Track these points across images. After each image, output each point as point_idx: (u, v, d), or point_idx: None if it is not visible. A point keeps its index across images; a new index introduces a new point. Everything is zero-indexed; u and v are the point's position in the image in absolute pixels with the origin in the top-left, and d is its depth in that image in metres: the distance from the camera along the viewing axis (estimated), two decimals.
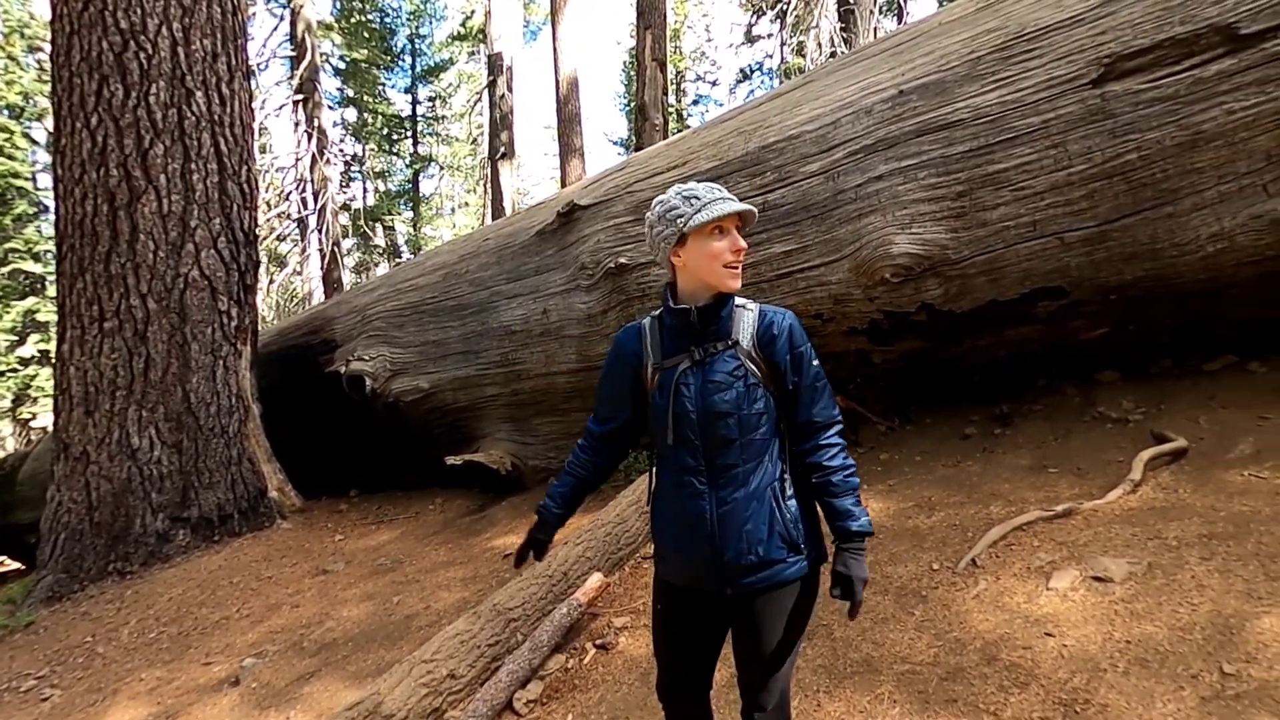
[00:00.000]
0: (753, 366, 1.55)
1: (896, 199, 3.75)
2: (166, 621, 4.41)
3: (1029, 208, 3.46)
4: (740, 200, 1.63)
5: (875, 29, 10.97)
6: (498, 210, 15.46)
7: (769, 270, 4.17)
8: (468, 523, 5.21)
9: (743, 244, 1.56)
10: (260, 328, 6.83)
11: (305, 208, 14.17)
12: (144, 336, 5.41)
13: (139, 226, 5.43)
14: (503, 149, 15.65)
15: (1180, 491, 2.79)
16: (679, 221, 1.55)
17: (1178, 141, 3.13)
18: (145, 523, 5.29)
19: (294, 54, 13.95)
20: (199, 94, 5.72)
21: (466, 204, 27.23)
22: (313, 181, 13.96)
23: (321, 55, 17.59)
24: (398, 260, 21.53)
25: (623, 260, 4.70)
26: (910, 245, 3.68)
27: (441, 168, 25.57)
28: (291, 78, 13.89)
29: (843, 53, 7.33)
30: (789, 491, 1.57)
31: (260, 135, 15.43)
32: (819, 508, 1.62)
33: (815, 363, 1.60)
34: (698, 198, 1.55)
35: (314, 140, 13.53)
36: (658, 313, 1.68)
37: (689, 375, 1.57)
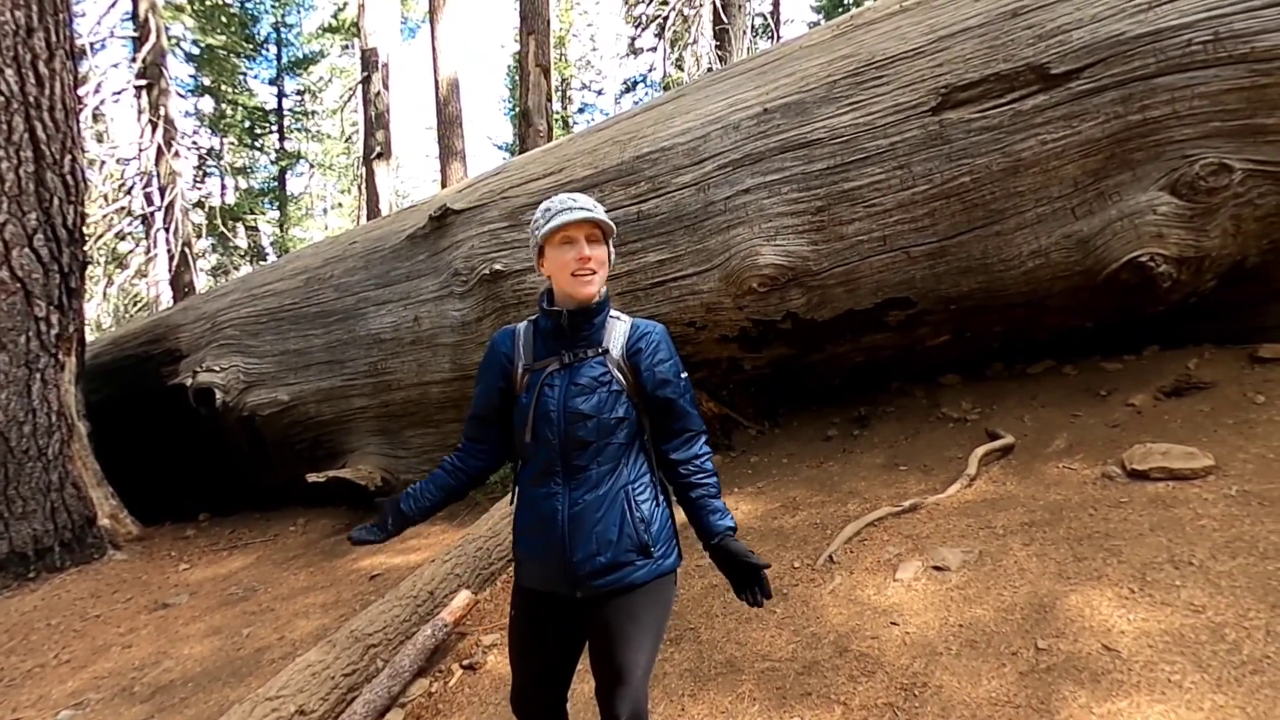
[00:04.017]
0: (619, 375, 1.61)
1: (763, 212, 3.91)
2: None
3: (880, 223, 3.71)
4: (606, 210, 1.69)
5: (748, 49, 11.47)
6: (373, 212, 14.74)
7: (644, 279, 4.22)
8: (332, 544, 4.89)
9: (586, 253, 1.59)
10: (98, 335, 6.10)
11: (150, 204, 12.85)
12: None
13: None
14: (378, 149, 14.95)
15: (1007, 484, 3.08)
16: (536, 233, 1.63)
17: (1002, 167, 3.47)
18: None
19: (136, 35, 12.65)
20: (9, 72, 5.04)
21: (340, 205, 25.79)
22: (159, 175, 12.68)
23: (171, 38, 16.09)
24: (264, 264, 20.02)
25: (498, 267, 4.60)
26: (776, 257, 3.84)
27: (312, 166, 24.06)
28: (133, 60, 12.58)
29: (716, 69, 7.60)
30: (644, 496, 1.61)
31: (96, 122, 13.84)
32: (688, 512, 1.65)
33: (684, 375, 1.68)
34: (550, 209, 1.62)
35: (160, 130, 12.30)
36: (534, 317, 1.72)
37: (555, 377, 1.61)
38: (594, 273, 1.60)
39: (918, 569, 2.61)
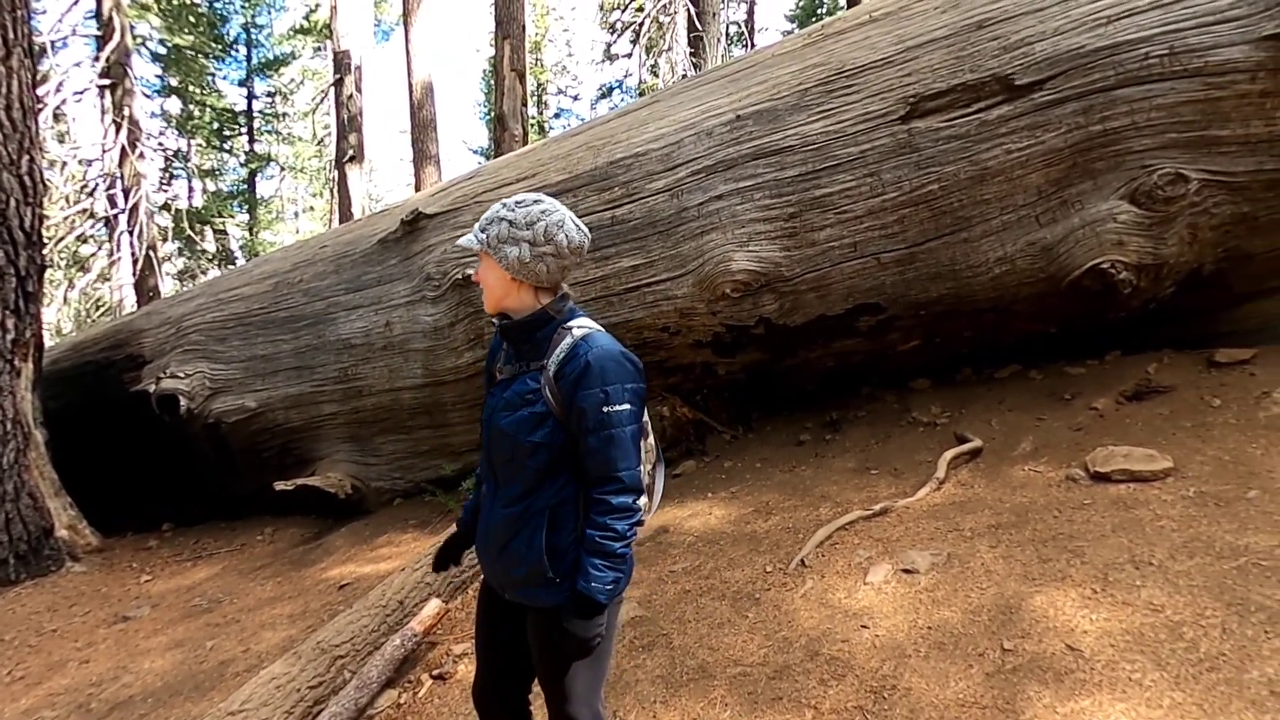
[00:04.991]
0: (549, 395, 1.50)
1: (735, 218, 3.93)
2: None
3: (851, 230, 3.76)
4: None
5: (722, 56, 11.56)
6: (345, 215, 14.56)
7: (618, 284, 4.22)
8: (300, 553, 4.80)
9: (475, 276, 1.61)
10: (58, 340, 5.93)
11: (114, 206, 12.54)
12: None
13: None
14: (351, 152, 14.78)
15: (975, 487, 3.12)
16: None
17: (969, 175, 3.53)
18: None
19: (100, 34, 12.36)
20: None
21: (312, 208, 25.45)
22: (123, 177, 12.38)
23: (137, 38, 15.76)
24: (231, 268, 19.64)
25: (470, 272, 4.56)
26: (748, 262, 3.87)
27: (283, 168, 23.70)
28: (96, 59, 12.28)
29: (691, 76, 7.66)
30: (562, 524, 1.52)
31: (57, 122, 13.49)
32: None
33: (609, 409, 1.44)
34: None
35: (124, 131, 12.01)
36: None
37: (500, 387, 1.61)
38: (485, 291, 1.59)
39: (888, 572, 2.63)
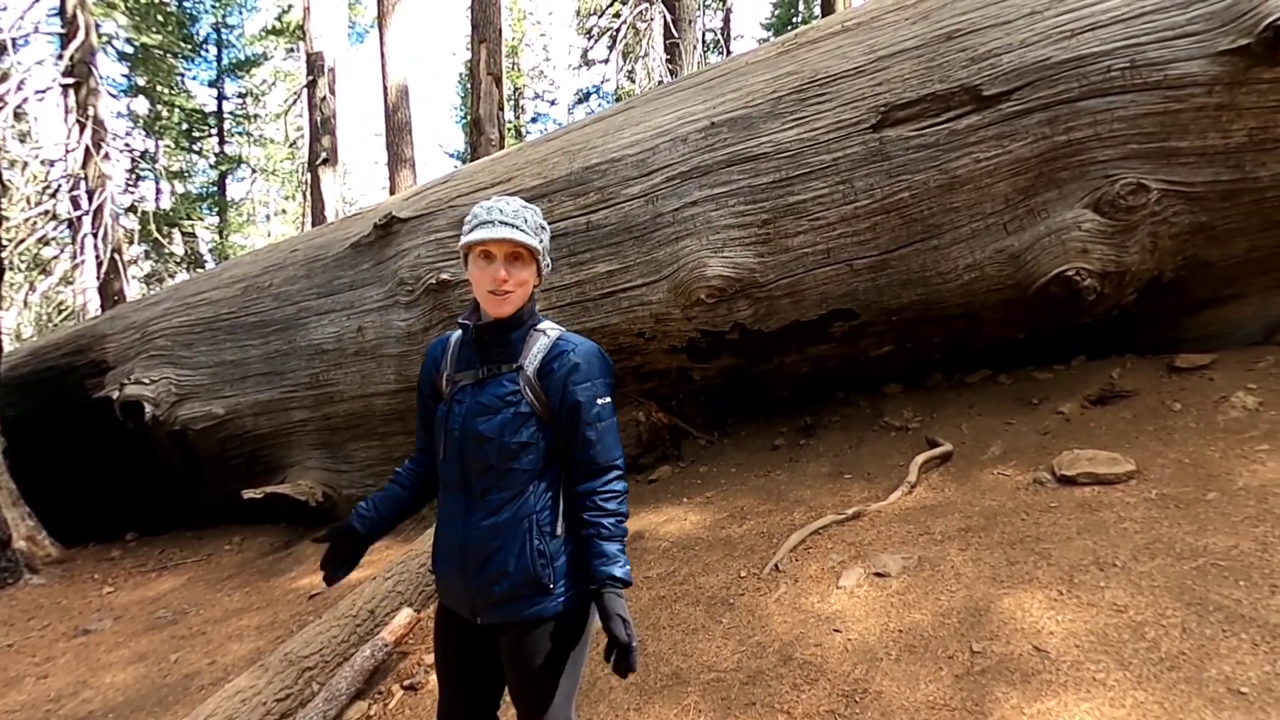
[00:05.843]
0: (530, 395, 1.51)
1: (710, 224, 3.95)
2: None
3: (824, 236, 3.79)
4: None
5: (698, 63, 11.63)
6: (318, 219, 14.35)
7: (593, 289, 4.21)
8: (269, 562, 4.71)
9: (502, 274, 1.48)
10: (17, 345, 5.77)
11: (78, 207, 12.23)
12: None
13: None
14: (324, 154, 14.58)
15: (946, 490, 3.16)
16: (463, 238, 1.53)
17: (939, 184, 3.59)
18: None
19: (64, 31, 12.06)
20: None
21: (284, 211, 25.08)
22: (87, 178, 12.08)
23: (103, 36, 15.41)
24: (199, 271, 19.27)
25: (445, 276, 4.52)
26: (723, 268, 3.88)
27: (254, 171, 23.31)
28: (60, 58, 11.99)
29: (666, 82, 7.70)
30: (548, 528, 1.51)
31: (18, 121, 13.13)
32: (581, 551, 1.53)
33: (601, 401, 1.52)
34: (474, 217, 1.52)
35: (88, 131, 11.73)
36: None
37: (466, 393, 1.55)
38: (509, 293, 1.49)
39: (860, 576, 2.65)
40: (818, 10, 16.54)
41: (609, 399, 1.55)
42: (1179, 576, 2.19)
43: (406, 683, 2.74)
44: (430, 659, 2.86)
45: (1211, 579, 2.15)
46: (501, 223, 1.48)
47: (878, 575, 2.63)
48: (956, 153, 3.55)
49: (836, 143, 3.77)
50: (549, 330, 1.57)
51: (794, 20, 20.60)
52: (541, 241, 1.54)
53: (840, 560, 2.80)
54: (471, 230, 1.50)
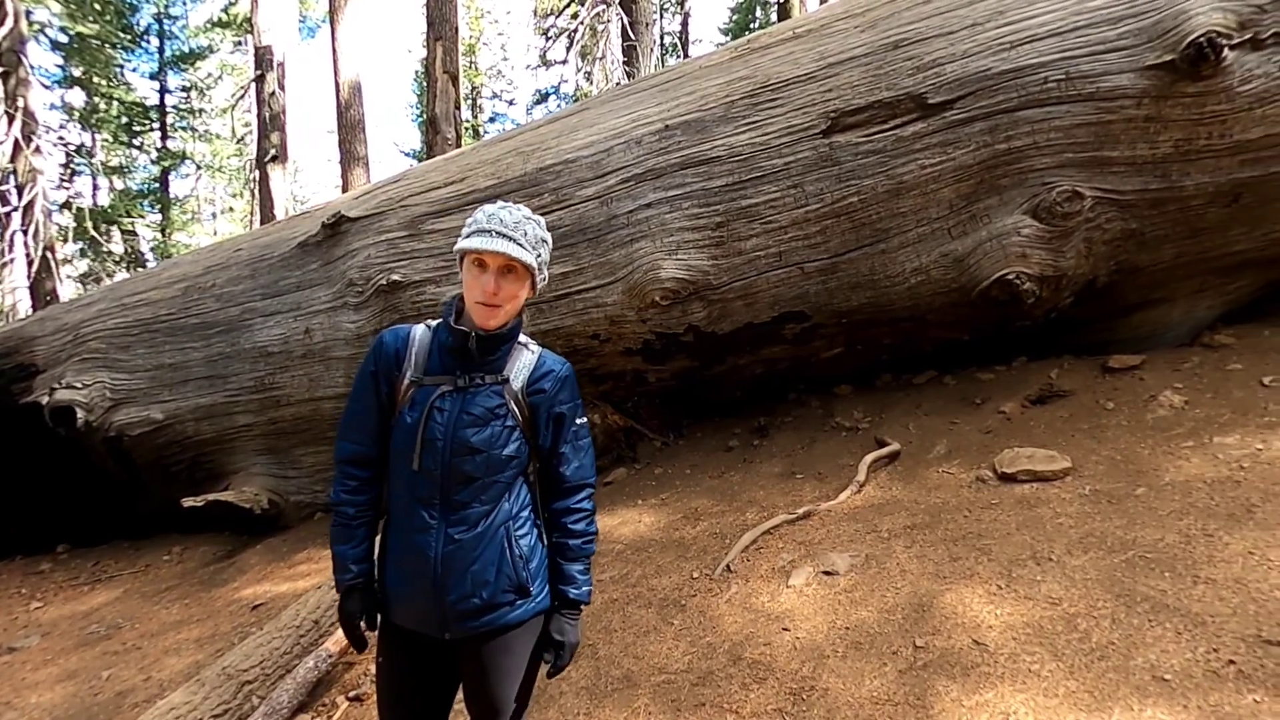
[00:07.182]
0: (515, 409, 1.50)
1: (664, 227, 3.96)
2: None
3: (776, 240, 3.84)
4: (516, 242, 1.43)
5: (655, 65, 11.68)
6: (267, 217, 13.95)
7: (548, 291, 4.18)
8: (211, 573, 4.54)
9: (492, 287, 1.42)
10: None
11: (6, 203, 11.64)
12: None
13: None
14: (273, 151, 14.17)
15: (893, 489, 3.23)
16: (459, 242, 1.47)
17: (887, 189, 3.67)
18: None
19: None
20: None
21: (231, 209, 24.31)
22: (16, 173, 11.51)
23: (34, 24, 14.71)
24: (137, 271, 18.51)
25: (395, 277, 4.44)
26: (677, 270, 3.90)
27: (199, 167, 22.54)
28: None
29: (622, 84, 7.70)
30: (523, 531, 1.53)
31: None
32: (549, 563, 1.60)
33: (580, 420, 1.58)
34: (474, 223, 1.46)
35: (18, 123, 11.17)
36: (436, 324, 1.55)
37: (446, 400, 1.47)
38: (499, 307, 1.44)
39: (809, 574, 2.69)
40: (774, 17, 16.78)
41: (585, 420, 1.62)
42: (1110, 569, 2.28)
43: (352, 694, 2.68)
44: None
45: (1139, 571, 2.24)
46: (499, 234, 1.42)
47: (826, 574, 2.67)
48: (903, 159, 3.64)
49: (788, 147, 3.82)
50: (530, 345, 1.58)
51: (751, 26, 20.86)
52: (539, 256, 1.49)
53: (790, 559, 2.83)
54: (468, 236, 1.44)
